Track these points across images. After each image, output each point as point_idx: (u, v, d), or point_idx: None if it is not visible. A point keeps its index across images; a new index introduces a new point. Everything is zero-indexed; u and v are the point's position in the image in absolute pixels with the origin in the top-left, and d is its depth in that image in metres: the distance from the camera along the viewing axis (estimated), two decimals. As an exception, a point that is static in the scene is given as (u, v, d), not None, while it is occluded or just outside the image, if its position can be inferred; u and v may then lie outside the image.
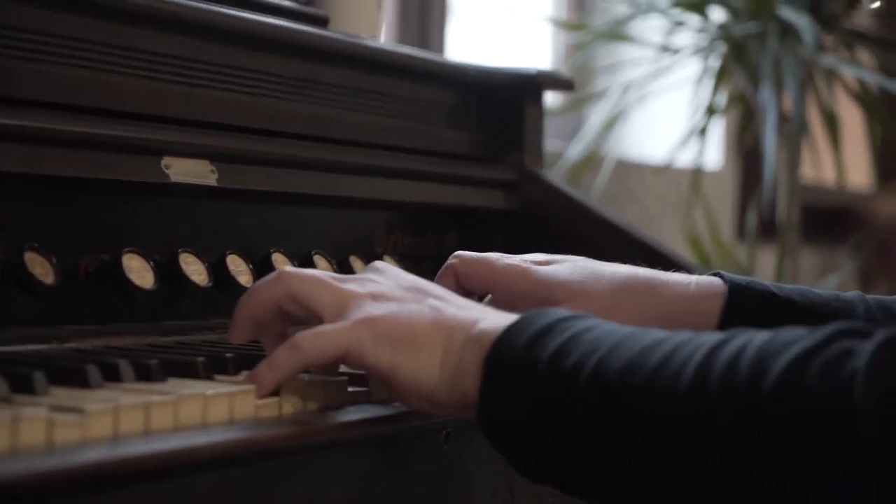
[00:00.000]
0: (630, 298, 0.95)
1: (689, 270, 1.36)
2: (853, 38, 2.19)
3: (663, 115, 2.80)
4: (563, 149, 2.31)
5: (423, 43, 2.31)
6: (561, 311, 0.80)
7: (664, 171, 2.48)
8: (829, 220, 3.33)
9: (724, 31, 2.23)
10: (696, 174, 2.27)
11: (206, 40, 1.09)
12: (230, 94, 1.12)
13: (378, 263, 0.89)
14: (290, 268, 0.89)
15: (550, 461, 0.77)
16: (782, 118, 2.20)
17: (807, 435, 0.66)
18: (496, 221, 1.42)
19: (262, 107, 1.15)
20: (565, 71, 2.76)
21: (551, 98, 2.81)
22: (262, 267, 1.06)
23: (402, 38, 2.29)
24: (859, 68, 2.15)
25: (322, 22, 1.28)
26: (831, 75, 2.23)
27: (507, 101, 1.43)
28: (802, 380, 0.67)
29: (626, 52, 2.52)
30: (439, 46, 2.35)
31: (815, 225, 3.20)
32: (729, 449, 0.69)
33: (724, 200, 2.94)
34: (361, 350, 0.82)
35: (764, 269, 2.36)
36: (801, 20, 2.02)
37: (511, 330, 0.79)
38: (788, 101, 2.19)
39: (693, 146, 2.27)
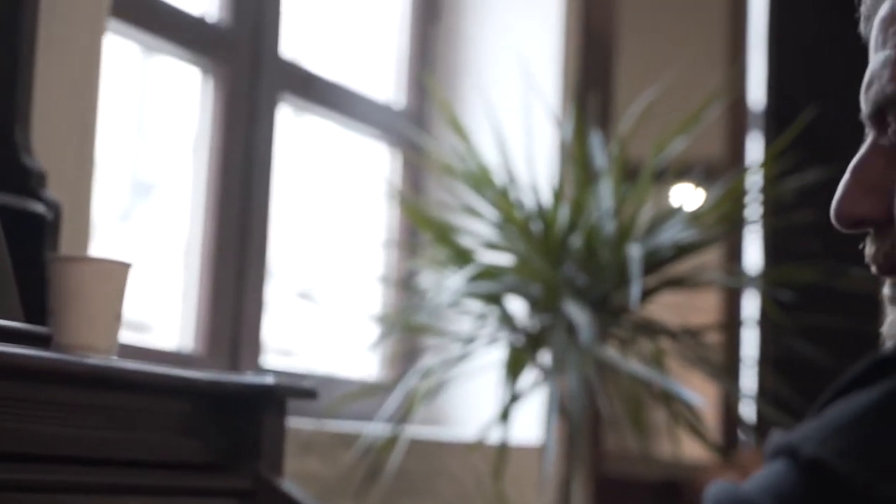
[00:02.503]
0: None
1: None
2: (639, 330, 2.27)
3: (478, 394, 2.85)
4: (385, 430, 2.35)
5: (235, 341, 2.35)
6: None
7: (478, 448, 2.52)
8: (654, 493, 3.37)
9: (513, 323, 2.31)
10: (501, 452, 2.32)
11: None
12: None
13: None
14: None
15: None
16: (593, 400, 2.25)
17: None
18: (232, 529, 1.45)
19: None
20: (381, 354, 2.83)
21: (369, 374, 2.87)
22: None
23: (214, 340, 2.33)
24: (648, 366, 2.23)
25: (44, 340, 1.32)
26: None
27: (245, 410, 1.48)
28: None
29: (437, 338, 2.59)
30: (254, 345, 2.40)
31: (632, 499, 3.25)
32: None
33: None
34: None
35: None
36: (580, 316, 2.10)
37: None
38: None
39: (502, 426, 2.32)
